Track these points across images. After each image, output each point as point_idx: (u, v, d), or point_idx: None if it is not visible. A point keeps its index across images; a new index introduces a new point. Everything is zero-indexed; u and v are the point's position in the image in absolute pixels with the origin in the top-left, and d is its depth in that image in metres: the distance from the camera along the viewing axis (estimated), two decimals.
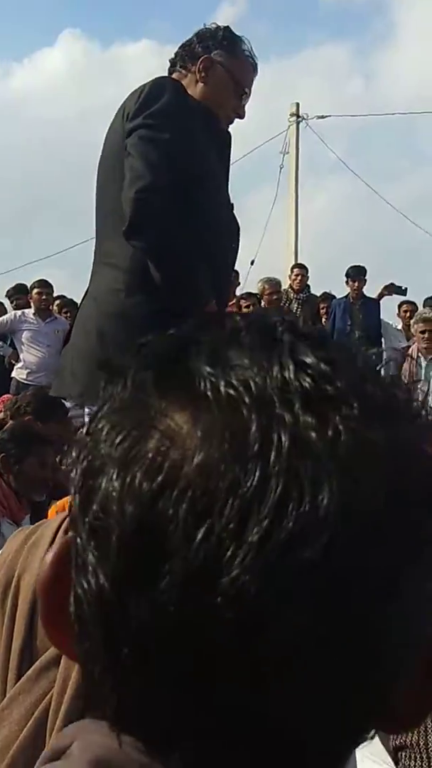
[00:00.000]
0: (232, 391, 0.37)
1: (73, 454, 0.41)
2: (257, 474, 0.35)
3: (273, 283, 8.05)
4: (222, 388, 0.38)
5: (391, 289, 8.46)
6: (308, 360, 0.39)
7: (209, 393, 0.38)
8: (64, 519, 1.10)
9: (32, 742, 0.89)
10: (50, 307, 7.53)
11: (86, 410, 2.46)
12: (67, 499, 3.47)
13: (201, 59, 2.47)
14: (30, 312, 7.38)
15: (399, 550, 0.37)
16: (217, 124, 2.53)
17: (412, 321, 7.49)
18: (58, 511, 3.41)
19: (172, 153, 2.27)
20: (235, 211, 2.67)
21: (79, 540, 0.39)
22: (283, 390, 0.37)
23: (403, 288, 8.51)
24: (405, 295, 8.49)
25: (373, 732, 0.41)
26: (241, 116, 2.57)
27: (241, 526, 0.35)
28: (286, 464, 0.36)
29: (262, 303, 7.89)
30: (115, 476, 0.38)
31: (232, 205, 2.63)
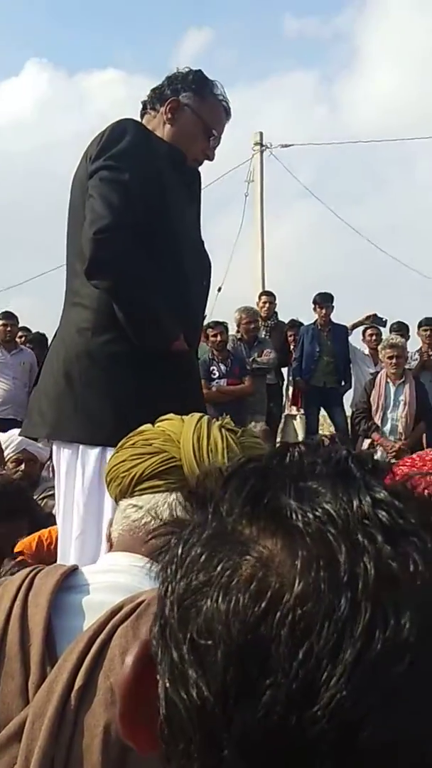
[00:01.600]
0: (319, 524, 0.43)
1: (167, 572, 0.47)
2: (349, 601, 0.40)
3: (250, 313, 8.05)
4: (311, 520, 0.43)
5: (372, 319, 8.48)
6: (381, 495, 0.45)
7: (299, 524, 0.43)
8: (24, 579, 1.05)
9: None
10: (15, 338, 7.46)
11: (54, 448, 2.42)
12: (33, 537, 3.40)
13: (168, 101, 2.48)
14: None
15: None
16: (184, 162, 2.52)
17: (379, 347, 7.53)
18: (24, 549, 3.32)
19: (134, 193, 2.27)
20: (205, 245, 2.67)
21: (175, 653, 0.44)
22: (364, 524, 0.43)
23: (384, 320, 8.54)
24: (384, 326, 8.51)
25: None
26: (210, 158, 2.57)
27: (336, 647, 0.40)
28: (373, 592, 0.41)
29: (239, 332, 7.88)
30: (220, 599, 0.42)
31: (203, 242, 2.61)
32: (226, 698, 0.41)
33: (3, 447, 4.02)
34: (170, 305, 2.28)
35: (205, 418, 1.19)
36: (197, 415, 1.20)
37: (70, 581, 1.05)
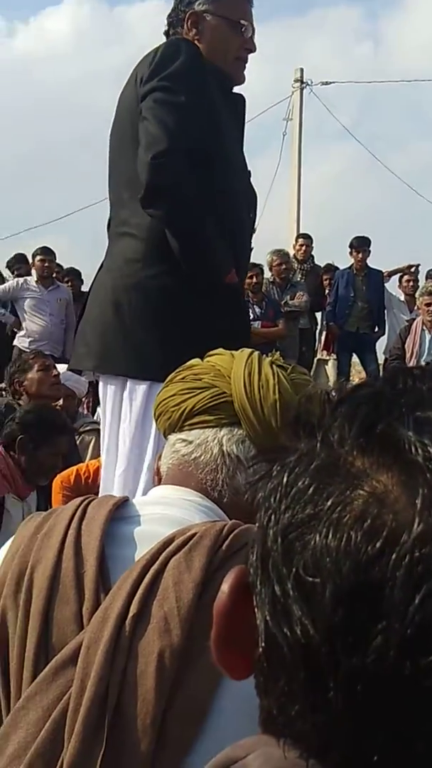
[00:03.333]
0: None
1: (270, 501, 0.44)
2: None
3: (281, 255, 7.96)
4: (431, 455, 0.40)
5: (415, 269, 8.34)
6: None
7: (419, 459, 0.40)
8: (77, 508, 1.06)
9: (50, 745, 0.85)
10: (53, 274, 7.46)
11: (101, 381, 2.37)
12: (72, 470, 3.45)
13: (187, 18, 2.35)
14: (32, 279, 7.30)
15: None
16: (232, 86, 2.40)
17: (417, 294, 7.41)
18: (62, 481, 3.38)
19: (189, 117, 2.16)
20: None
21: (278, 587, 0.42)
22: None
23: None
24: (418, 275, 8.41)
25: None
26: (252, 50, 2.42)
27: None
28: None
29: (270, 274, 7.80)
30: (329, 535, 0.40)
31: (249, 172, 2.50)
32: (333, 639, 0.39)
33: None
34: (223, 237, 2.20)
35: (256, 353, 1.18)
36: (247, 350, 1.18)
37: (121, 512, 1.06)
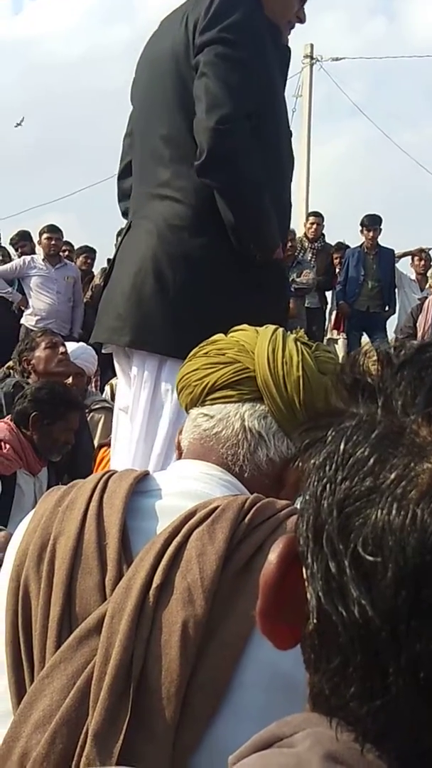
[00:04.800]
0: None
1: (325, 470, 0.41)
2: None
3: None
4: None
5: (426, 255, 8.28)
6: None
7: None
8: (98, 481, 1.07)
9: (75, 712, 0.86)
10: (59, 252, 7.45)
11: (135, 357, 2.15)
12: (105, 453, 3.40)
13: None
14: (39, 258, 7.29)
15: None
16: (281, 39, 2.22)
17: (428, 272, 7.38)
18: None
19: (251, 75, 1.98)
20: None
21: (333, 564, 0.39)
22: None
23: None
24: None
25: None
26: (302, 20, 2.26)
27: None
28: None
29: None
30: (393, 511, 0.37)
31: (291, 132, 2.32)
32: (395, 622, 0.37)
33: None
34: (275, 209, 2.06)
35: (280, 330, 1.17)
36: (271, 327, 1.18)
37: (142, 485, 1.06)
